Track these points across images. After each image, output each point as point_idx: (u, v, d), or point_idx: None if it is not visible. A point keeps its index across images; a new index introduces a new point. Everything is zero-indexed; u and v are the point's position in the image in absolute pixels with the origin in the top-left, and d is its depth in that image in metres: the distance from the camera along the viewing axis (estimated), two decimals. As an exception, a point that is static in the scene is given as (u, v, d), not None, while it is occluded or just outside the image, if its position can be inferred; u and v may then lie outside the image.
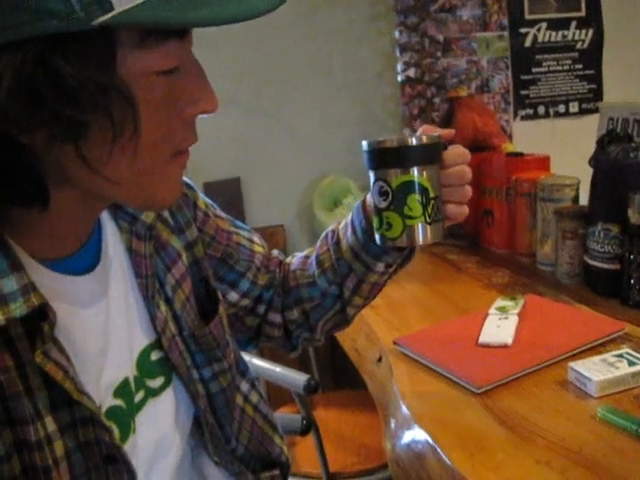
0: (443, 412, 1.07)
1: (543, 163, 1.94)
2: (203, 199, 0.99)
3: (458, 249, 2.03)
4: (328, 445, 1.68)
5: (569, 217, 1.61)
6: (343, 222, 1.01)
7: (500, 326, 1.28)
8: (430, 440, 0.98)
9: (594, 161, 1.52)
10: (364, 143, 0.88)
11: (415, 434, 1.03)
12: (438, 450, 0.96)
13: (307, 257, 1.06)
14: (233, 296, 1.02)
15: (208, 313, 0.90)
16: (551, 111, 2.47)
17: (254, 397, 1.02)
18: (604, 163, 1.50)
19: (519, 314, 1.34)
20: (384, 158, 0.85)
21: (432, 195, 0.85)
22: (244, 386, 1.00)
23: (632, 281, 1.42)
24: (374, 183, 0.86)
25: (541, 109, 2.46)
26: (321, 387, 2.08)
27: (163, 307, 0.82)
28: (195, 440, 0.90)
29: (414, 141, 0.85)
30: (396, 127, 2.26)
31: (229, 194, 2.14)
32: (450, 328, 1.33)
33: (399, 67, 2.22)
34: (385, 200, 0.84)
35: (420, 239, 0.86)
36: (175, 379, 0.84)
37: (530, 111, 2.45)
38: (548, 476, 0.86)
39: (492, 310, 1.36)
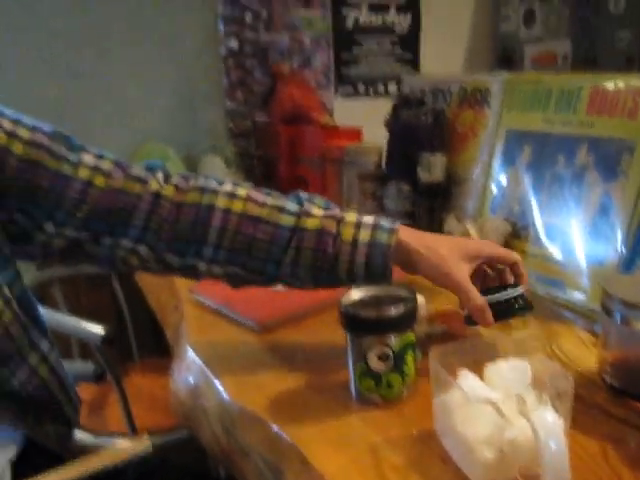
0: (222, 347, 1.11)
1: (355, 134, 2.02)
2: (10, 129, 0.89)
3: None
4: (140, 409, 1.68)
5: (370, 179, 1.69)
6: (350, 236, 0.93)
7: (291, 273, 1.34)
8: (204, 369, 1.02)
9: (389, 124, 1.61)
10: (347, 309, 0.87)
11: (192, 366, 1.06)
12: (210, 376, 1.00)
13: (260, 220, 0.94)
14: (50, 227, 0.92)
15: None
16: (370, 90, 2.58)
17: (53, 358, 0.98)
18: (397, 125, 1.59)
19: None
20: (386, 324, 0.85)
21: (416, 345, 0.89)
22: (44, 345, 0.97)
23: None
24: (369, 348, 0.85)
25: (361, 87, 2.56)
26: (138, 355, 2.08)
27: None
28: None
29: (408, 298, 0.87)
30: (218, 97, 2.28)
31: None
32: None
33: (221, 38, 2.25)
34: (386, 363, 0.85)
35: (413, 390, 0.89)
36: None
37: (350, 89, 2.54)
38: (307, 395, 0.92)
39: (286, 260, 1.41)
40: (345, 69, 2.52)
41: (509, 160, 1.39)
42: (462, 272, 0.92)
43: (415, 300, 0.88)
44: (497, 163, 1.42)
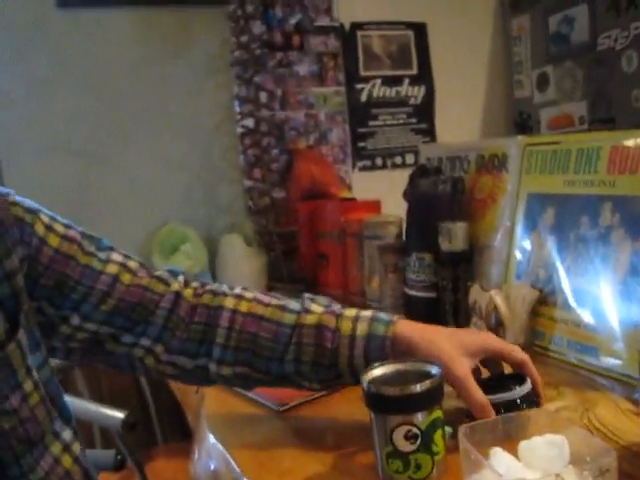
0: (242, 430, 1.07)
1: (374, 206, 2.00)
2: (47, 222, 0.94)
3: (296, 292, 2.05)
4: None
5: (391, 252, 1.66)
6: (348, 329, 0.95)
7: (312, 350, 1.30)
8: (225, 453, 0.98)
9: (407, 195, 1.59)
10: (370, 387, 0.83)
11: (212, 451, 1.02)
12: (230, 461, 0.95)
13: (263, 319, 0.98)
14: (75, 319, 0.95)
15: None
16: (388, 162, 2.58)
17: (76, 448, 0.97)
18: (415, 195, 1.57)
19: (334, 339, 1.36)
20: (412, 401, 0.81)
21: (444, 422, 0.85)
22: (67, 434, 0.95)
23: (447, 306, 1.47)
24: (395, 428, 0.81)
25: (379, 160, 2.56)
26: (162, 438, 2.03)
27: None
28: None
29: (434, 373, 0.84)
30: (236, 176, 2.29)
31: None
32: (266, 356, 1.33)
33: (237, 118, 2.27)
34: (413, 443, 0.81)
35: (443, 470, 0.84)
36: None
37: (368, 162, 2.54)
38: (328, 471, 0.88)
39: (307, 336, 1.38)
40: (362, 143, 2.53)
41: (531, 224, 1.35)
42: (463, 367, 0.91)
43: (442, 375, 0.84)
44: (519, 228, 1.39)
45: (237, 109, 2.28)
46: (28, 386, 0.89)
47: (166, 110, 2.21)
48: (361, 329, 0.95)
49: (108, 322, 0.96)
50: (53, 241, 0.94)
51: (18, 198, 0.92)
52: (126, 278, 0.97)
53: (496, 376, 0.98)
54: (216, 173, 2.28)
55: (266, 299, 1.01)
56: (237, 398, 1.18)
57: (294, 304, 1.00)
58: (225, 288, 1.02)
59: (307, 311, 0.98)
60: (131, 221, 2.18)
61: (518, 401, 0.89)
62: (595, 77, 2.36)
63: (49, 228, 0.94)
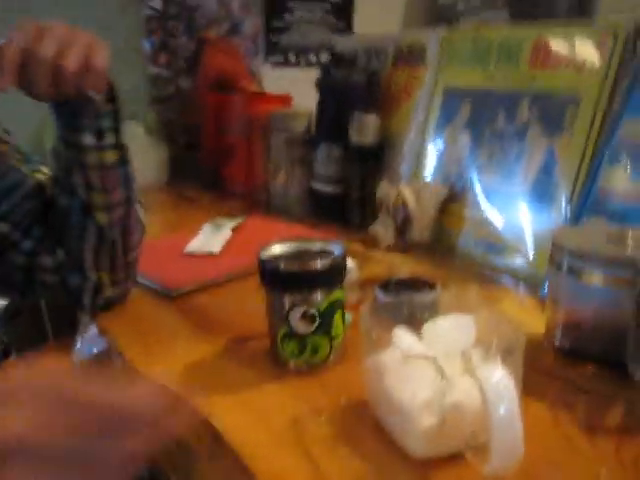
0: (131, 316, 0.99)
1: (284, 101, 1.91)
2: None
3: (199, 186, 1.96)
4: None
5: (299, 144, 1.59)
6: None
7: (210, 238, 1.23)
8: (111, 339, 0.91)
9: (319, 83, 1.51)
10: (266, 263, 0.78)
11: (98, 338, 0.94)
12: (115, 347, 0.89)
13: None
14: None
15: None
16: (302, 60, 2.47)
17: None
18: (328, 85, 1.49)
19: (234, 229, 1.29)
20: (311, 279, 0.75)
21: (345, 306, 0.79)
22: None
23: (353, 202, 1.42)
24: (291, 307, 0.74)
25: (292, 56, 2.45)
26: (52, 333, 1.94)
27: None
28: None
29: (336, 252, 0.78)
30: (139, 61, 2.14)
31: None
32: (162, 243, 1.25)
33: (143, -2, 2.11)
34: (310, 325, 0.74)
35: (341, 355, 0.79)
36: None
37: (281, 58, 2.43)
38: (223, 364, 0.82)
39: (206, 225, 1.30)
40: (275, 37, 2.41)
41: (446, 119, 1.30)
42: None
43: (344, 254, 0.79)
44: (434, 123, 1.33)
45: (144, -11, 2.11)
46: None
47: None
48: None
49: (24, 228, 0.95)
50: None
51: None
52: (50, 191, 0.97)
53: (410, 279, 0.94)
54: (118, 57, 2.11)
55: None
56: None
57: None
58: None
59: None
60: (25, 103, 2.01)
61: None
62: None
63: None
